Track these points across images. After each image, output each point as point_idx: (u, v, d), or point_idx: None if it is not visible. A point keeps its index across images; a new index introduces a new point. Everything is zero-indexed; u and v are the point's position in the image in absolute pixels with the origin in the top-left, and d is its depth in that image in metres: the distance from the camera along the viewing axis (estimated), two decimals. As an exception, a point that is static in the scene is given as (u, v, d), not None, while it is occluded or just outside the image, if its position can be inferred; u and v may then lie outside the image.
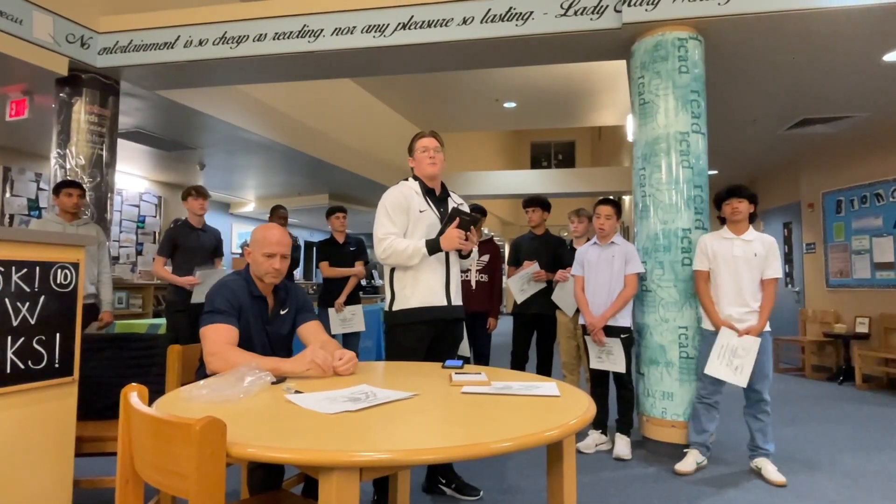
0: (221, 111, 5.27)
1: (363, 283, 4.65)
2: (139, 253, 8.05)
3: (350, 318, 4.49)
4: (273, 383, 1.52)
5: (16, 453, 1.62)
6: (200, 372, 1.87)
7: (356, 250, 4.58)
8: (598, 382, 3.43)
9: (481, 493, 2.64)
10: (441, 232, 2.33)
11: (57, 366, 1.73)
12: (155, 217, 8.29)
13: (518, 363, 3.89)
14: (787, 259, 7.34)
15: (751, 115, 5.15)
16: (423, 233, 2.35)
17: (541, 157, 18.22)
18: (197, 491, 0.93)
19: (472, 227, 2.35)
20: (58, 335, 1.74)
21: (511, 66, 4.10)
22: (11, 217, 6.27)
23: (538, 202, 3.93)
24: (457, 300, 2.45)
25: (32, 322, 1.67)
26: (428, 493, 2.68)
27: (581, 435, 3.46)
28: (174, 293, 3.92)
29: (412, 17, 3.67)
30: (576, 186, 10.11)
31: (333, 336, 4.23)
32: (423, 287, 2.35)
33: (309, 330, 2.01)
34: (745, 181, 8.09)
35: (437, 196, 2.47)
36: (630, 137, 8.29)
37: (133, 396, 1.15)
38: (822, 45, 3.61)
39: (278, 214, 4.82)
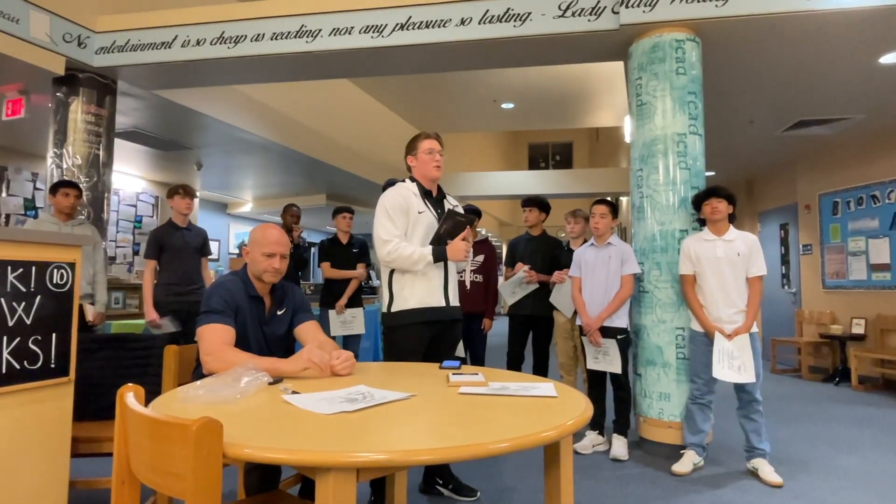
0: (219, 111, 5.26)
1: (362, 284, 4.63)
2: (136, 253, 8.02)
3: (351, 320, 4.46)
4: (270, 384, 1.52)
5: (11, 454, 1.62)
6: (197, 372, 1.87)
7: (359, 252, 4.53)
8: (595, 383, 3.44)
9: (478, 493, 2.64)
10: (438, 232, 2.34)
11: (53, 366, 1.73)
12: (152, 217, 8.27)
13: (514, 364, 3.89)
14: (784, 260, 7.36)
15: (748, 117, 5.17)
16: (422, 233, 2.35)
17: (538, 157, 18.24)
18: (193, 492, 0.92)
19: (467, 227, 2.35)
20: (54, 335, 1.73)
21: (509, 67, 4.11)
22: (7, 217, 6.25)
23: (536, 202, 3.93)
24: (455, 301, 2.45)
25: (28, 322, 1.66)
26: (425, 494, 2.67)
27: (578, 436, 3.46)
28: (163, 293, 3.88)
29: (410, 17, 3.67)
30: (573, 187, 10.12)
31: (333, 338, 4.22)
32: (422, 288, 2.35)
33: (306, 330, 2.00)
34: (741, 182, 8.11)
35: (434, 197, 2.47)
36: (627, 139, 8.32)
37: (129, 397, 1.14)
38: (819, 47, 3.62)
39: (290, 212, 4.72)
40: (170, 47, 4.00)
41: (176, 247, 3.90)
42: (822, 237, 6.44)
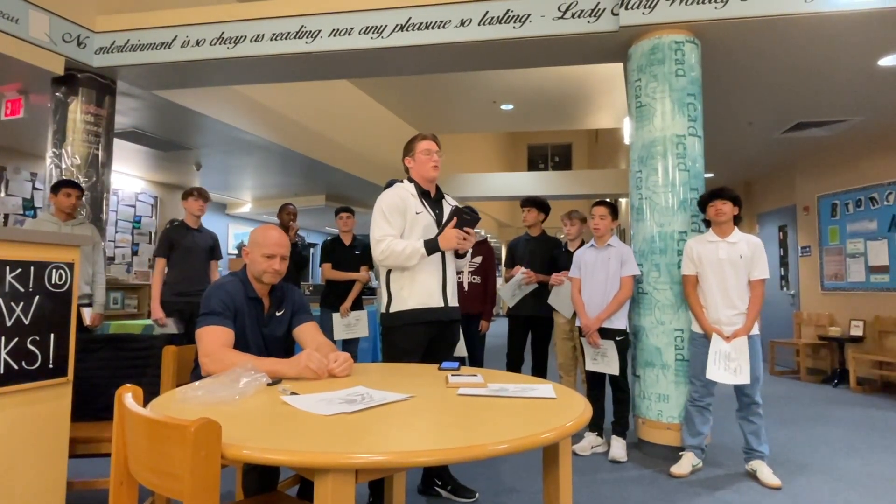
0: (218, 111, 5.26)
1: (365, 286, 4.60)
2: (135, 253, 8.02)
3: (354, 323, 4.41)
4: (269, 385, 1.51)
5: (9, 454, 1.61)
6: (195, 373, 1.87)
7: (361, 254, 4.45)
8: (594, 384, 3.44)
9: (477, 495, 2.63)
10: (441, 233, 2.33)
11: (51, 366, 1.72)
12: (151, 217, 8.27)
13: (514, 364, 3.89)
14: (783, 262, 7.37)
15: (747, 119, 5.17)
16: (420, 234, 2.35)
17: (537, 159, 18.25)
18: (191, 493, 0.92)
19: (471, 226, 2.35)
20: (52, 335, 1.73)
21: (508, 69, 4.11)
22: (6, 216, 6.24)
23: (535, 202, 3.93)
24: (453, 301, 2.45)
25: (27, 322, 1.66)
26: (423, 496, 2.67)
27: (577, 437, 3.46)
28: (168, 293, 3.90)
29: (410, 18, 3.68)
30: (572, 189, 10.12)
31: (335, 341, 4.21)
32: (420, 288, 2.34)
33: (305, 331, 2.00)
34: (740, 184, 8.12)
35: (431, 198, 2.47)
36: (627, 140, 8.32)
37: (128, 397, 1.14)
38: (818, 49, 3.63)
39: (287, 211, 4.69)
40: (169, 47, 4.00)
41: (185, 247, 3.93)
42: (820, 239, 6.44)
